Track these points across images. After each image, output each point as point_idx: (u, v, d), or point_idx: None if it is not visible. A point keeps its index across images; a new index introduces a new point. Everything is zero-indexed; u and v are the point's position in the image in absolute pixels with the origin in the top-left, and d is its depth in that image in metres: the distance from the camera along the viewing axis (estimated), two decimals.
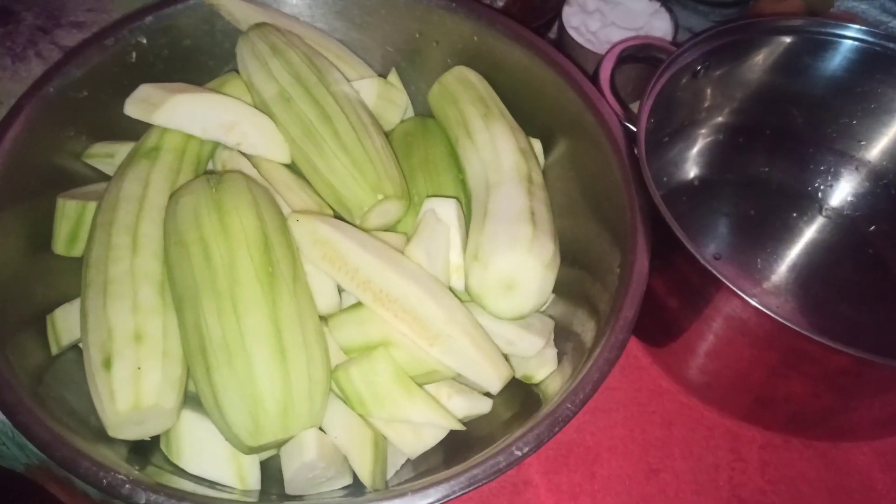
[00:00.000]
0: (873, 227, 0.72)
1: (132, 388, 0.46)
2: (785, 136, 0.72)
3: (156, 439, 0.51)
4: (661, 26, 0.79)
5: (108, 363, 0.46)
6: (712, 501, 0.59)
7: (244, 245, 0.48)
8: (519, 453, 0.44)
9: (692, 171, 0.75)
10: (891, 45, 0.63)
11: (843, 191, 0.73)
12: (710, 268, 0.50)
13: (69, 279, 0.55)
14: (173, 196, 0.52)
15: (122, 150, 0.60)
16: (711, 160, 0.75)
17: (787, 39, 0.64)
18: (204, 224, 0.49)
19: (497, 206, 0.55)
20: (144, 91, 0.57)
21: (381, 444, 0.49)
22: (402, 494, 0.43)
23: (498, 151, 0.58)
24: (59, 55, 0.83)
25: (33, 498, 0.72)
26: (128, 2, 0.87)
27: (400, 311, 0.50)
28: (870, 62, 0.64)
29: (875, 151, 0.70)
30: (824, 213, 0.73)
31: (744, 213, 0.74)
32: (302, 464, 0.46)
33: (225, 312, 0.46)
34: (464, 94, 0.63)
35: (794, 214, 0.74)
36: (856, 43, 0.63)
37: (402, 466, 0.53)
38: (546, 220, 0.55)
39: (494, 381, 0.50)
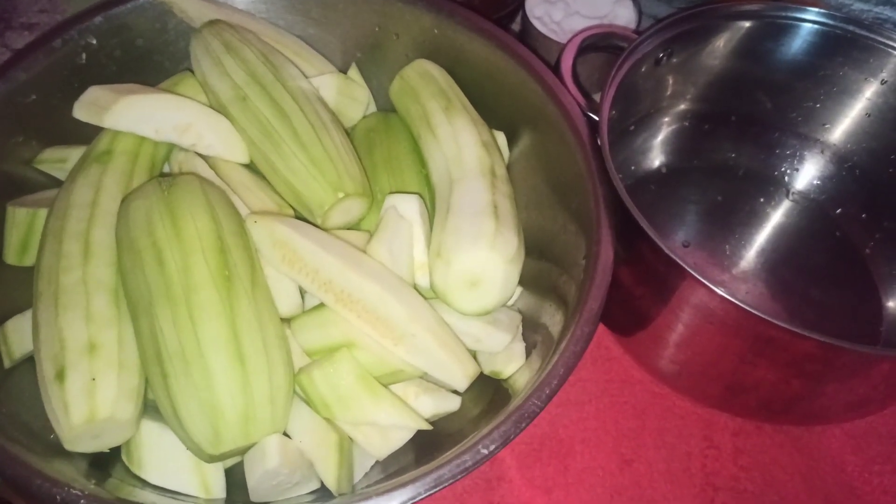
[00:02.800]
0: (840, 210, 0.73)
1: (86, 400, 0.44)
2: (750, 122, 0.72)
3: (117, 451, 0.50)
4: (624, 14, 0.78)
5: (61, 375, 0.45)
6: (686, 490, 0.59)
7: (199, 250, 0.47)
8: (485, 451, 0.43)
9: (659, 159, 0.75)
10: (850, 27, 0.63)
11: (808, 174, 0.73)
12: (674, 257, 0.50)
13: (21, 290, 0.54)
14: (125, 201, 0.51)
15: (75, 154, 0.58)
16: (678, 148, 0.75)
17: (748, 24, 0.64)
18: (156, 229, 0.48)
19: (460, 202, 0.54)
20: (94, 93, 0.56)
21: (346, 448, 0.48)
22: (367, 498, 0.42)
23: (460, 145, 0.58)
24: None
25: None
26: (81, 2, 0.85)
27: (363, 312, 0.49)
28: (830, 45, 0.64)
29: (839, 134, 0.70)
30: (791, 198, 0.73)
31: (711, 200, 0.74)
32: (265, 471, 0.44)
33: (181, 320, 0.45)
34: (425, 87, 0.62)
35: (762, 199, 0.74)
36: (816, 26, 0.63)
37: (372, 468, 0.52)
38: (509, 214, 0.54)
39: (461, 378, 0.49)
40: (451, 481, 0.42)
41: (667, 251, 0.50)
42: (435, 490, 0.42)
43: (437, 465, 0.43)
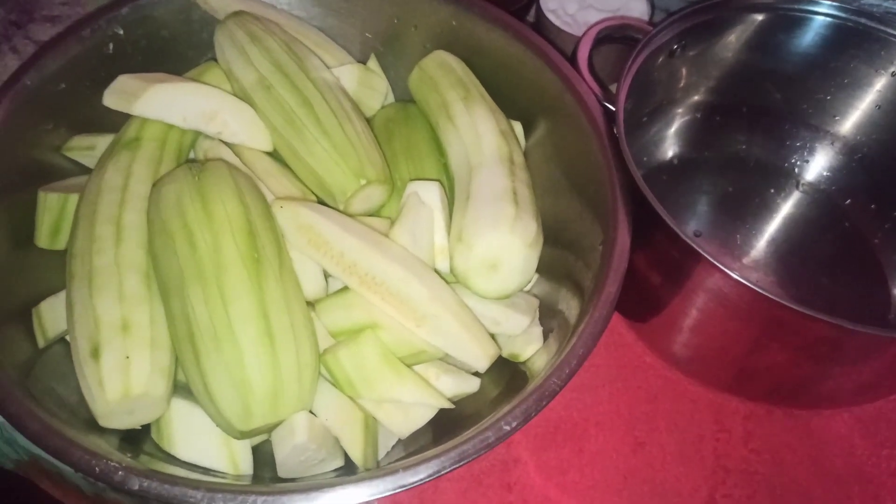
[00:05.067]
0: (849, 201, 0.74)
1: (121, 377, 0.46)
2: (761, 113, 0.73)
3: (147, 428, 0.51)
4: (637, 7, 0.79)
5: (96, 353, 0.46)
6: (698, 472, 0.60)
7: (229, 232, 0.48)
8: (507, 428, 0.44)
9: (671, 150, 0.76)
10: (862, 20, 0.64)
11: (818, 166, 0.74)
12: (690, 242, 0.51)
13: (53, 272, 0.55)
14: (156, 185, 0.52)
15: (103, 141, 0.60)
16: (690, 139, 0.76)
17: (761, 17, 0.65)
18: (188, 212, 0.49)
19: (479, 188, 0.55)
20: (123, 82, 0.57)
21: (371, 425, 0.50)
22: (394, 472, 0.43)
23: (479, 134, 0.59)
24: (34, 50, 0.83)
25: (24, 494, 0.71)
26: None
27: (386, 294, 0.51)
28: (842, 37, 0.65)
29: (849, 126, 0.71)
30: (801, 189, 0.75)
31: (722, 191, 0.75)
32: (293, 446, 0.46)
33: (212, 299, 0.46)
34: (443, 78, 0.64)
35: (772, 190, 0.75)
36: (828, 19, 0.64)
37: (393, 447, 0.54)
38: (528, 201, 0.56)
39: (482, 359, 0.51)
40: (474, 456, 0.44)
41: (683, 236, 0.51)
42: (459, 464, 0.43)
43: (461, 441, 0.44)
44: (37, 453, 0.67)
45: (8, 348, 0.49)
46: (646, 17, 0.78)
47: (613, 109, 0.57)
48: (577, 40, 0.65)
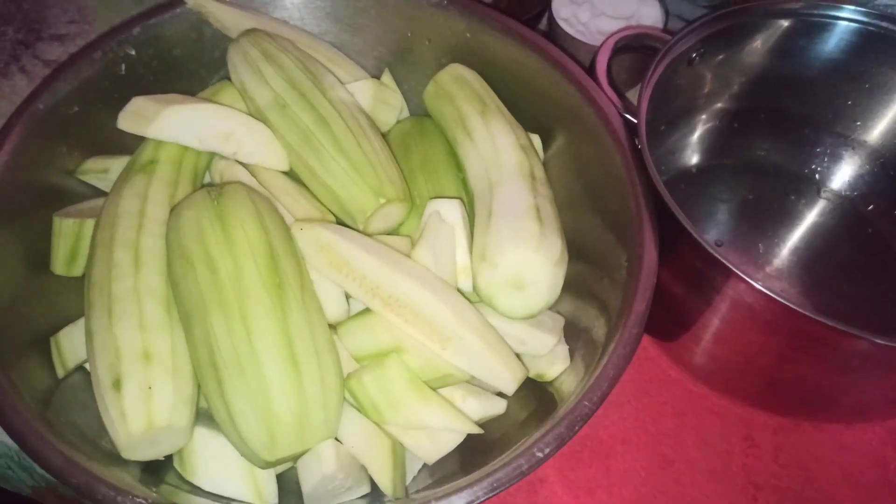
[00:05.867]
0: (871, 207, 0.73)
1: (144, 408, 0.45)
2: (781, 119, 0.72)
3: (169, 458, 0.50)
4: (651, 14, 0.78)
5: (117, 384, 0.45)
6: (728, 488, 0.59)
7: (250, 257, 0.48)
8: (540, 454, 0.43)
9: (689, 158, 0.75)
10: (884, 24, 0.63)
11: (840, 172, 0.73)
12: (717, 255, 0.50)
13: (70, 299, 0.54)
14: (174, 210, 0.51)
15: (116, 164, 0.59)
16: (708, 147, 0.75)
17: (782, 22, 0.64)
18: (208, 238, 0.48)
19: (501, 205, 0.54)
20: (137, 104, 0.56)
21: (398, 452, 0.49)
22: (426, 502, 0.42)
23: (498, 149, 0.58)
24: (43, 69, 0.82)
25: None
26: (109, 12, 0.86)
27: (410, 316, 0.50)
28: (864, 42, 0.64)
29: (871, 131, 0.70)
30: (822, 195, 0.73)
31: (743, 199, 0.74)
32: (322, 476, 0.45)
33: (235, 326, 0.46)
34: (460, 91, 0.63)
35: (793, 197, 0.74)
36: (851, 24, 0.63)
37: (419, 472, 0.53)
38: (552, 217, 0.55)
39: (509, 381, 0.50)
40: (507, 485, 0.43)
41: (709, 248, 0.50)
42: (492, 494, 0.42)
43: (493, 470, 0.43)
44: (53, 481, 0.66)
45: (27, 379, 0.48)
46: (660, 24, 0.77)
47: (635, 121, 0.56)
48: (595, 50, 0.64)
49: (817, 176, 0.74)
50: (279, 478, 0.51)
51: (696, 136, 0.74)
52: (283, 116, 0.57)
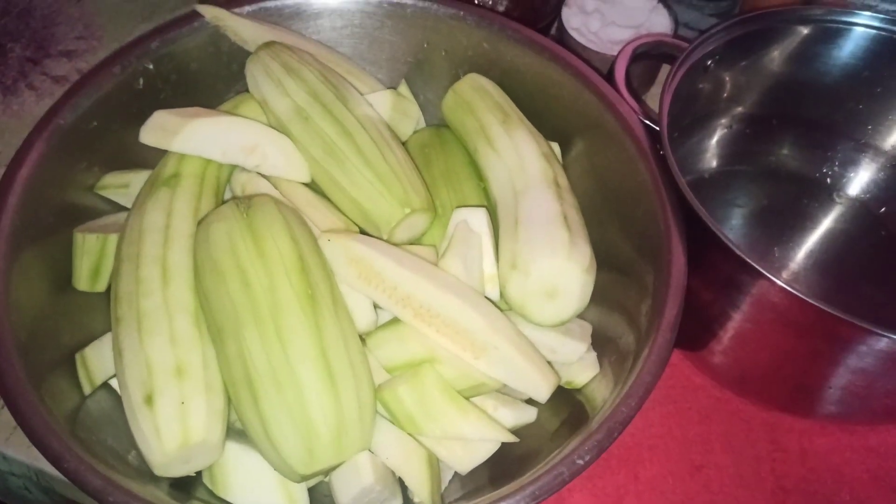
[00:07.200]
0: (883, 209, 0.73)
1: (179, 424, 0.44)
2: (794, 125, 0.73)
3: (197, 474, 0.49)
4: (660, 22, 0.79)
5: (150, 400, 0.45)
6: (758, 494, 0.59)
7: (282, 269, 0.47)
8: (581, 462, 0.43)
9: (704, 164, 0.75)
10: None
11: (853, 175, 0.74)
12: (747, 259, 0.50)
13: (93, 315, 0.54)
14: (203, 223, 0.51)
15: (136, 178, 0.58)
16: (722, 153, 0.75)
17: (797, 29, 0.65)
18: (239, 250, 0.48)
19: (528, 213, 0.54)
20: (160, 118, 0.56)
21: (434, 462, 0.48)
22: None
23: (522, 157, 0.58)
24: (51, 85, 0.82)
25: None
26: (117, 28, 0.85)
27: (442, 326, 0.49)
28: (877, 48, 0.65)
29: (884, 135, 0.71)
30: (836, 199, 0.74)
31: (757, 204, 0.75)
32: (361, 489, 0.44)
33: (269, 340, 0.45)
34: (480, 101, 0.63)
35: (807, 201, 0.74)
36: (867, 30, 0.64)
37: (450, 483, 0.52)
38: (579, 224, 0.55)
39: (543, 388, 0.49)
40: (549, 494, 0.42)
41: (738, 251, 0.50)
42: (533, 503, 0.42)
43: (535, 478, 0.43)
44: (73, 502, 0.65)
45: (57, 397, 0.47)
46: (669, 32, 0.78)
47: (657, 129, 0.57)
48: (613, 59, 0.64)
49: (829, 180, 0.74)
50: (310, 492, 0.50)
51: (710, 141, 0.75)
52: (306, 129, 0.57)
